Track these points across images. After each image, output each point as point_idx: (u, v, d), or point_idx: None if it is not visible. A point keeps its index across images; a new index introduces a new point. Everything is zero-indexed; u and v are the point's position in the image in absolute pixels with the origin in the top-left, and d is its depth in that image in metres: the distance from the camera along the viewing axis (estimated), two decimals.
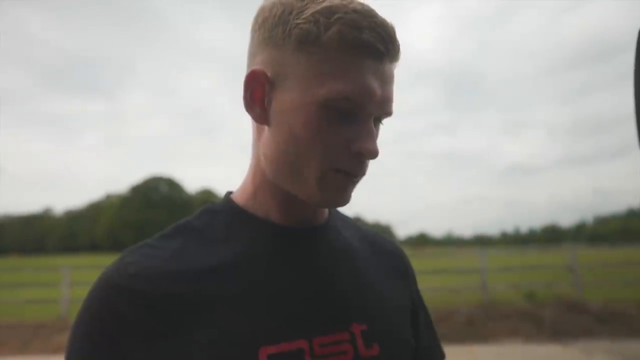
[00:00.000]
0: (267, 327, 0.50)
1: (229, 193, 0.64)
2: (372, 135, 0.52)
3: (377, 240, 0.70)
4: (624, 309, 7.58)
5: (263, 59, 0.54)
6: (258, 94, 0.54)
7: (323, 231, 0.61)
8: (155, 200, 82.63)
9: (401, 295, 0.65)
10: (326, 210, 0.64)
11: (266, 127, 0.56)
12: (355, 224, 0.71)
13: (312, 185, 0.53)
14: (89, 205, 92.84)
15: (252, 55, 0.56)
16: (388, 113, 0.54)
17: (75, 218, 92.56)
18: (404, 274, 0.69)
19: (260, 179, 0.58)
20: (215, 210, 0.60)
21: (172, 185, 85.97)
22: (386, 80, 0.52)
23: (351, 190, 0.55)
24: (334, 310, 0.55)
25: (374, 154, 0.52)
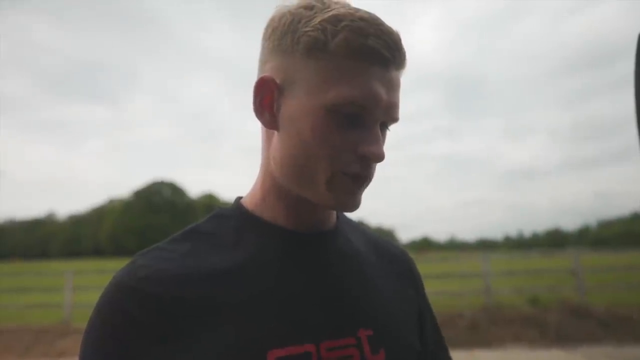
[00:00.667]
0: (275, 331, 0.51)
1: (239, 198, 0.64)
2: (378, 140, 0.54)
3: (383, 245, 0.71)
4: (627, 314, 7.52)
5: (273, 66, 0.56)
6: (267, 100, 0.56)
7: (331, 236, 0.62)
8: (158, 204, 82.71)
9: (408, 299, 0.66)
10: (334, 216, 0.65)
11: (275, 133, 0.57)
12: (362, 229, 0.72)
13: (321, 188, 0.54)
14: (92, 210, 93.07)
15: (262, 63, 0.58)
16: (394, 119, 0.56)
17: (78, 223, 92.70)
18: (411, 278, 0.70)
19: (270, 184, 0.59)
20: (225, 215, 0.61)
21: (174, 189, 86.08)
22: (392, 87, 0.54)
23: (360, 194, 0.56)
24: (341, 315, 0.56)
25: (379, 157, 0.53)
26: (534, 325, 7.26)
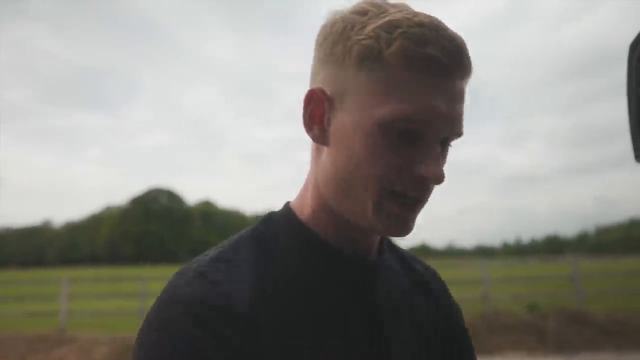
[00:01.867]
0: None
1: (288, 205, 0.60)
2: (438, 159, 0.49)
3: (421, 271, 0.69)
4: (627, 320, 7.50)
5: (324, 77, 0.53)
6: (317, 113, 0.53)
7: (379, 264, 0.60)
8: (155, 211, 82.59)
9: (442, 327, 0.66)
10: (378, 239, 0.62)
11: (325, 148, 0.54)
12: (401, 252, 0.70)
13: (369, 211, 0.50)
14: (89, 217, 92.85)
15: (313, 74, 0.55)
16: (457, 134, 0.51)
17: (74, 230, 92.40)
18: (445, 303, 0.69)
19: (318, 201, 0.56)
20: (280, 224, 0.58)
21: (172, 196, 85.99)
22: (455, 99, 0.49)
23: (413, 219, 0.52)
24: (384, 350, 0.55)
25: (439, 178, 0.48)
26: (532, 332, 7.23)
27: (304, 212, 0.57)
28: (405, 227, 0.51)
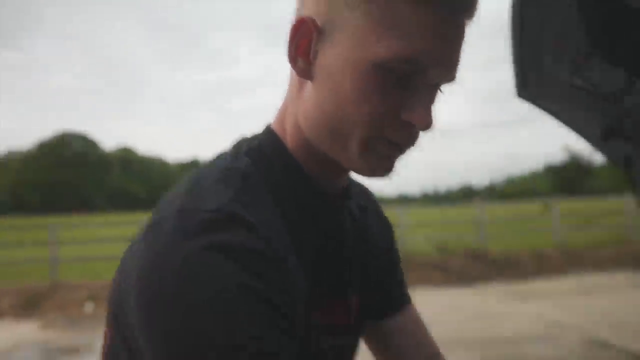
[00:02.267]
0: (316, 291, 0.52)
1: (274, 133, 0.55)
2: (429, 105, 0.46)
3: (366, 194, 0.72)
4: (518, 256, 8.71)
5: (313, 4, 0.47)
6: (304, 45, 0.48)
7: (347, 195, 0.59)
8: (67, 157, 75.95)
9: (388, 248, 0.70)
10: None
11: (308, 83, 0.49)
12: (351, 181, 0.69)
13: (353, 152, 0.48)
14: None
15: (301, 1, 0.50)
16: (451, 79, 0.47)
17: None
18: (387, 224, 0.74)
19: (299, 136, 0.53)
20: (271, 159, 0.54)
21: (86, 142, 79.29)
22: (458, 41, 0.45)
23: (395, 160, 0.50)
24: (346, 279, 0.58)
25: (427, 126, 0.46)
26: (439, 269, 8.12)
27: (287, 141, 0.54)
28: (390, 168, 0.50)
